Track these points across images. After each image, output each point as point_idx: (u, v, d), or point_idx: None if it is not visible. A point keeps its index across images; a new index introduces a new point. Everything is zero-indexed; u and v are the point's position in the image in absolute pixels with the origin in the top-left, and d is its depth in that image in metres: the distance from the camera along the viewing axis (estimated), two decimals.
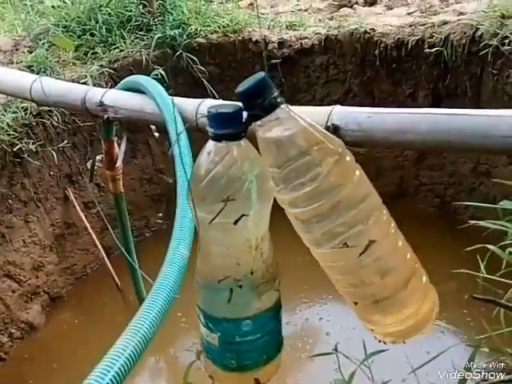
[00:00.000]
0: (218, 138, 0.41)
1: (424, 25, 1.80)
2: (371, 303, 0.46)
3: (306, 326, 1.54)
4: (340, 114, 0.75)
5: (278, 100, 0.41)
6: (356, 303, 0.47)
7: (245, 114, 0.42)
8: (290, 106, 0.42)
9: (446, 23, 1.77)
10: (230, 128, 0.41)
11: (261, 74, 0.41)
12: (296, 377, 1.34)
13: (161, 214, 2.08)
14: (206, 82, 1.93)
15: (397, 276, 0.45)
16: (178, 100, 0.98)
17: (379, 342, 0.48)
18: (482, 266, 0.51)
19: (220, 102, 0.98)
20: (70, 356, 1.54)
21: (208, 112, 0.41)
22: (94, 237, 1.83)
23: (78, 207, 1.80)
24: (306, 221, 0.43)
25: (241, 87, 0.41)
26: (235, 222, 0.41)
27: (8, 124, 1.60)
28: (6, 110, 1.64)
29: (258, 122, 0.41)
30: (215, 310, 0.45)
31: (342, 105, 0.78)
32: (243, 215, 0.41)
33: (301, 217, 0.43)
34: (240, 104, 0.42)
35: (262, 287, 0.44)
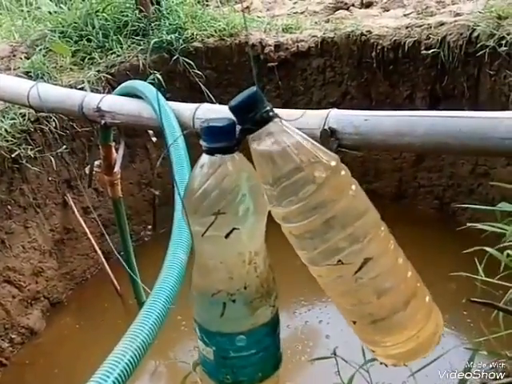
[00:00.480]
0: (210, 152, 0.41)
1: (420, 26, 1.81)
2: (369, 323, 0.45)
3: (305, 328, 1.54)
4: (337, 117, 0.75)
5: (271, 114, 0.41)
6: (355, 322, 0.46)
7: (238, 128, 0.42)
8: (283, 121, 0.42)
9: (442, 24, 1.77)
10: (222, 142, 0.41)
11: (253, 88, 0.42)
12: (296, 380, 1.33)
13: (150, 227, 2.08)
14: (203, 87, 1.93)
15: (395, 296, 0.44)
16: (174, 104, 0.98)
17: (380, 364, 0.47)
18: (480, 269, 0.50)
19: (217, 106, 0.98)
20: (71, 361, 1.54)
21: (200, 126, 0.42)
22: (94, 242, 1.82)
23: (76, 212, 1.80)
24: (299, 236, 0.43)
25: (233, 101, 0.42)
26: (226, 236, 0.41)
27: (6, 130, 1.61)
28: (4, 117, 1.64)
29: (251, 136, 0.41)
30: (209, 324, 0.44)
31: (339, 107, 0.78)
32: (234, 229, 0.41)
33: (294, 232, 0.43)
34: (233, 118, 0.42)
35: (255, 302, 0.44)
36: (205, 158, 0.42)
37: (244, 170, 0.43)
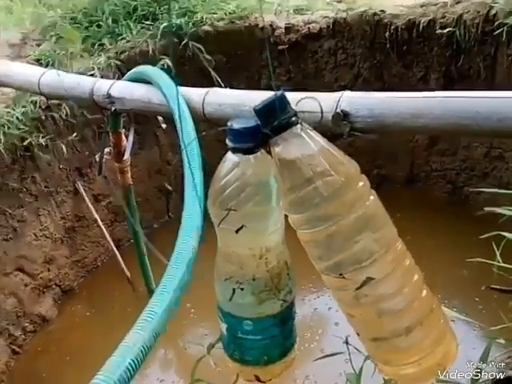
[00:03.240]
0: (233, 150, 0.43)
1: (436, 4, 1.75)
2: (371, 339, 0.45)
3: (314, 316, 1.53)
4: (349, 99, 0.73)
5: (291, 120, 0.41)
6: (358, 334, 0.47)
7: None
8: (305, 125, 0.42)
9: (458, 2, 1.71)
10: (243, 143, 0.42)
11: (278, 93, 0.42)
12: (305, 367, 1.33)
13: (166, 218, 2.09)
14: (212, 71, 1.91)
15: (398, 319, 0.43)
16: (184, 90, 0.97)
17: (384, 379, 0.47)
18: (497, 254, 0.49)
19: (227, 90, 0.97)
20: (83, 348, 1.56)
21: (227, 125, 0.43)
22: (104, 229, 1.84)
23: (87, 200, 1.82)
24: (306, 243, 0.44)
25: (257, 105, 0.42)
26: (237, 231, 0.43)
27: (18, 118, 1.61)
28: (15, 105, 1.65)
29: (273, 140, 0.42)
30: (223, 304, 0.47)
31: (351, 90, 0.76)
32: (243, 226, 0.42)
33: (302, 238, 0.44)
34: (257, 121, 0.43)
35: (263, 294, 0.45)
36: (229, 155, 0.43)
37: (262, 171, 0.43)
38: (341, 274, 0.42)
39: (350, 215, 0.41)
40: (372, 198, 0.43)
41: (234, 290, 0.45)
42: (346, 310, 0.47)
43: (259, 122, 0.42)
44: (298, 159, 0.41)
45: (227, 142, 0.43)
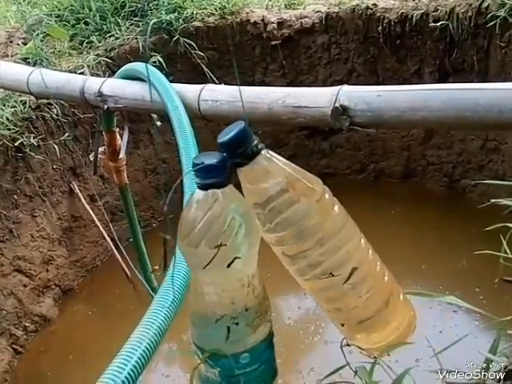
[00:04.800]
0: (205, 187, 0.43)
1: None
2: (356, 324, 0.49)
3: (317, 310, 1.54)
4: (348, 93, 0.72)
5: (259, 147, 0.44)
6: (343, 325, 0.50)
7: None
8: (270, 151, 0.45)
9: None
10: (215, 177, 0.43)
11: (241, 124, 0.44)
12: (309, 360, 1.34)
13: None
14: (205, 68, 1.89)
15: (377, 297, 0.48)
16: (178, 86, 0.96)
17: (367, 356, 0.51)
18: (504, 245, 0.49)
19: (221, 86, 0.95)
20: (85, 347, 1.56)
21: (194, 164, 0.43)
22: (102, 229, 1.82)
23: (83, 200, 1.80)
24: (292, 256, 0.46)
25: (222, 137, 0.43)
26: (228, 265, 0.42)
27: (8, 119, 1.59)
28: (4, 105, 1.62)
29: (241, 168, 0.44)
30: (214, 348, 0.46)
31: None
32: (236, 258, 0.42)
33: (287, 252, 0.46)
34: (223, 153, 0.44)
35: (256, 321, 0.46)
36: (199, 194, 0.43)
37: (236, 200, 0.44)
38: (330, 273, 0.46)
39: (328, 220, 0.45)
40: (336, 207, 0.48)
41: (228, 328, 0.44)
42: (331, 306, 0.50)
43: (225, 154, 0.44)
44: (276, 176, 0.44)
45: (198, 180, 0.43)
